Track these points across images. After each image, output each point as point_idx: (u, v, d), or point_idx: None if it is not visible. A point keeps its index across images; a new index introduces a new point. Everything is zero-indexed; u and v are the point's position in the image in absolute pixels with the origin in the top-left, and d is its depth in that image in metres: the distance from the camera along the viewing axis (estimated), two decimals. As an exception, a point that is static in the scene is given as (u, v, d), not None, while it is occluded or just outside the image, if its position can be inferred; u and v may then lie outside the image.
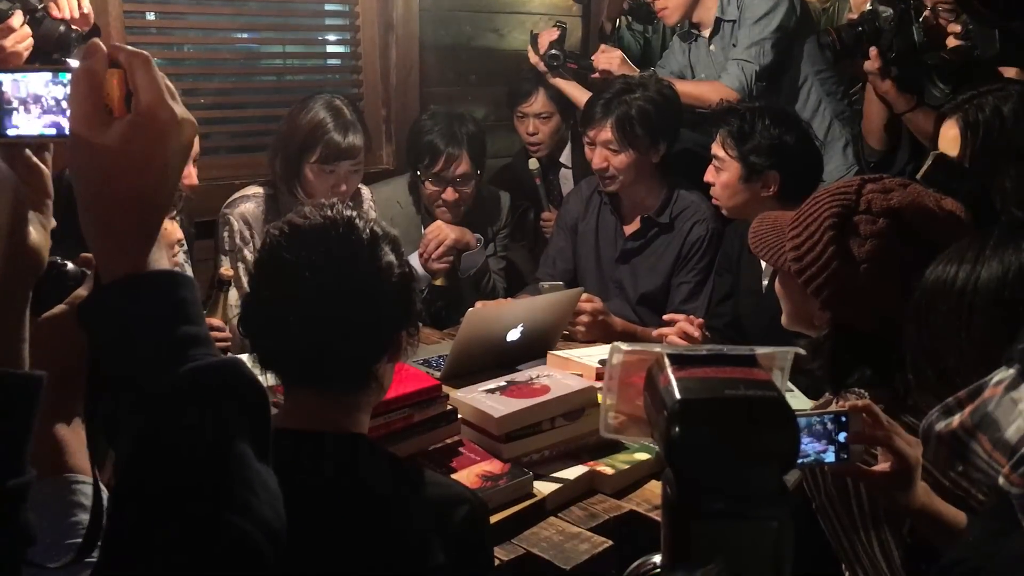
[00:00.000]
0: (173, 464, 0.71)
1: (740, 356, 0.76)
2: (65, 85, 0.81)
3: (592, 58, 3.22)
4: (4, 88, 0.81)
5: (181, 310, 0.76)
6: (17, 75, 0.81)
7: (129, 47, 0.78)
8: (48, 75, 0.81)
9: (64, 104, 0.80)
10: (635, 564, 0.82)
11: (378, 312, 1.33)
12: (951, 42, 2.45)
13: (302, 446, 1.29)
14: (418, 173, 2.99)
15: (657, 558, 0.79)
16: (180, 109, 0.78)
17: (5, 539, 0.70)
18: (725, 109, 2.55)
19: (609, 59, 3.16)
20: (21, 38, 2.10)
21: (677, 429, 0.68)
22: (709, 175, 2.54)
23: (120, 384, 0.74)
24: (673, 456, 0.69)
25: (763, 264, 2.53)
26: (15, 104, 0.80)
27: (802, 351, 1.10)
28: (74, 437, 0.93)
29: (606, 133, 2.74)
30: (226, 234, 2.71)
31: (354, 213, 1.36)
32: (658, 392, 0.73)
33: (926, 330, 1.14)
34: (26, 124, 0.81)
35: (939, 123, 1.98)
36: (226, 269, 2.51)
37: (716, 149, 2.49)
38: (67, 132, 0.79)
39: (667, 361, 0.75)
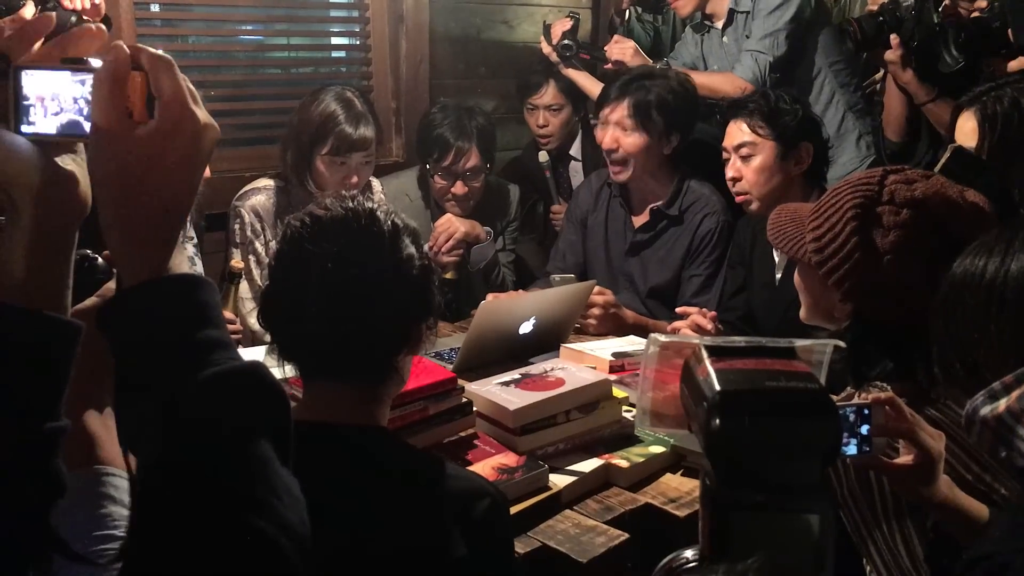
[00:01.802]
0: (197, 469, 0.70)
1: (779, 348, 0.75)
2: (84, 84, 0.79)
3: (605, 48, 3.21)
4: (22, 85, 0.79)
5: (202, 314, 0.75)
6: (35, 72, 0.79)
7: (152, 49, 0.77)
8: (67, 73, 0.79)
9: (82, 104, 0.79)
10: (667, 559, 0.81)
11: (399, 304, 1.32)
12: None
13: (322, 438, 1.28)
14: (427, 167, 2.98)
15: (689, 552, 0.78)
16: (203, 114, 0.77)
17: (38, 485, 0.70)
18: (744, 97, 2.55)
19: (622, 50, 3.14)
20: None
21: (717, 421, 0.67)
22: (733, 170, 2.50)
23: (141, 389, 0.74)
24: (713, 448, 0.68)
25: (776, 257, 2.52)
26: (32, 102, 0.79)
27: (842, 344, 1.08)
28: (104, 429, 0.93)
29: (621, 111, 2.71)
30: (237, 227, 2.70)
31: (375, 205, 1.36)
32: (696, 383, 0.72)
33: (954, 323, 1.13)
34: (43, 123, 0.79)
35: (956, 115, 1.97)
36: (237, 262, 2.51)
37: (743, 136, 2.46)
38: (86, 132, 0.78)
39: (705, 353, 0.74)
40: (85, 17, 2.23)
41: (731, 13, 3.08)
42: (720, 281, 2.76)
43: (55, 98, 0.79)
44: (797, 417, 0.68)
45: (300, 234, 1.33)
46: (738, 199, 2.54)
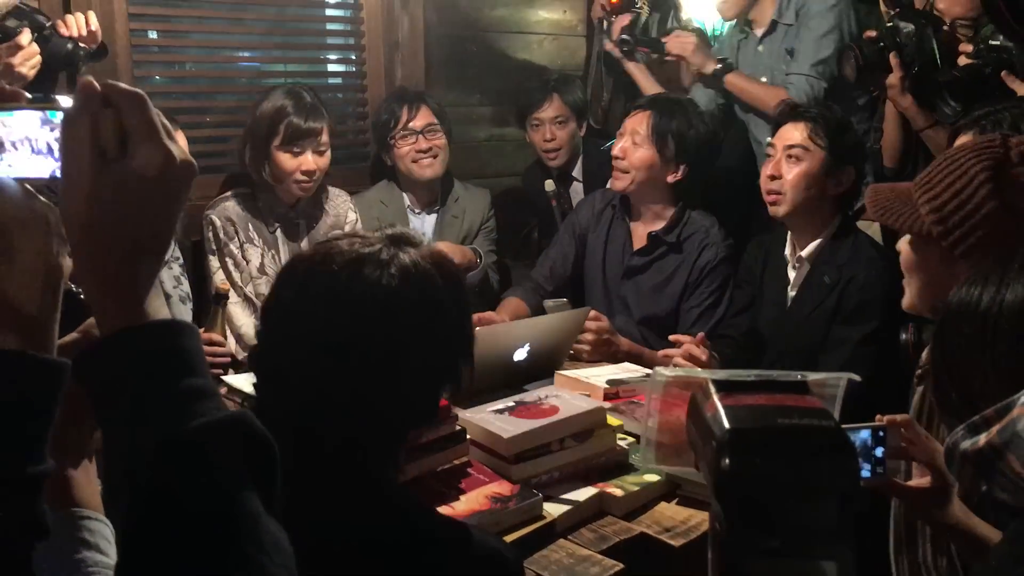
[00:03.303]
0: (183, 527, 0.68)
1: (790, 383, 0.73)
2: (54, 126, 0.76)
3: (664, 41, 3.19)
4: None
5: (184, 361, 0.73)
6: (5, 114, 0.76)
7: (123, 85, 0.74)
8: (37, 114, 0.76)
9: (54, 145, 0.76)
10: None
11: (408, 382, 1.19)
12: (962, 61, 2.46)
13: (327, 495, 1.17)
14: (390, 142, 3.09)
15: None
16: (178, 149, 0.74)
17: (20, 529, 0.69)
18: (810, 104, 2.60)
19: (682, 44, 3.13)
20: (29, 55, 2.10)
21: (727, 461, 0.64)
22: (774, 168, 2.49)
23: (123, 442, 0.71)
24: (723, 489, 0.65)
25: (791, 275, 2.54)
26: (3, 144, 0.76)
27: (856, 377, 1.06)
28: (83, 471, 0.91)
29: (640, 123, 2.74)
30: (210, 234, 2.78)
31: (383, 257, 1.18)
32: (704, 421, 0.70)
33: (950, 353, 1.12)
34: (15, 165, 0.76)
35: (954, 138, 1.97)
36: (222, 283, 2.52)
37: (798, 139, 2.47)
38: (57, 173, 0.75)
39: (712, 388, 0.71)
40: (82, 44, 2.25)
41: (773, 23, 3.09)
42: (721, 311, 2.76)
43: (23, 140, 0.76)
44: (812, 456, 0.65)
45: (288, 292, 1.21)
46: (768, 197, 2.52)
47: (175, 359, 0.72)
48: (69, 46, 2.22)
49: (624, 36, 3.22)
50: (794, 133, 2.48)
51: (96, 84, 0.73)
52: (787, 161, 2.47)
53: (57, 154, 0.75)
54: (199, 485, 0.69)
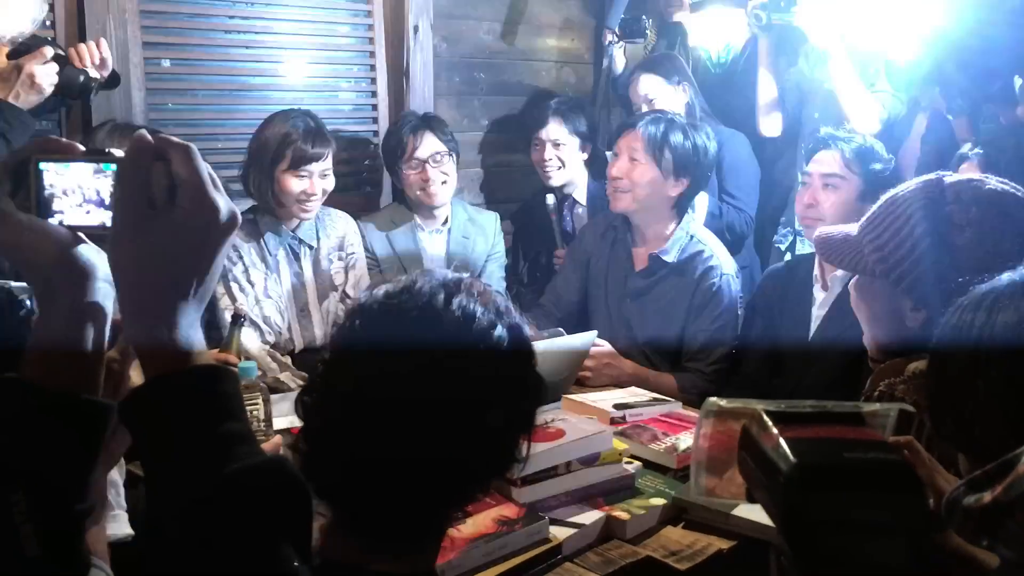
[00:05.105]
0: (218, 571, 0.70)
1: (846, 414, 0.71)
2: (108, 177, 0.79)
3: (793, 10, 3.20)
4: (46, 177, 0.79)
5: (224, 406, 0.75)
6: (61, 165, 0.80)
7: (174, 139, 0.76)
8: (92, 166, 0.80)
9: (105, 194, 0.79)
10: None
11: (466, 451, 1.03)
12: None
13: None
14: (398, 170, 3.13)
15: None
16: (224, 200, 0.77)
17: (62, 566, 0.71)
18: (843, 130, 2.59)
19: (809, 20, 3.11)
20: (49, 69, 2.15)
21: (796, 497, 0.63)
22: (811, 197, 2.51)
23: (163, 484, 0.74)
24: (791, 525, 0.63)
25: (819, 296, 2.51)
26: (57, 193, 0.79)
27: (909, 407, 1.04)
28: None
29: (635, 140, 2.69)
30: None
31: (474, 290, 1.06)
32: (763, 453, 0.68)
33: (944, 378, 1.11)
34: (68, 214, 0.80)
35: (958, 165, 1.99)
36: (240, 306, 2.53)
37: (833, 167, 2.49)
38: (107, 222, 0.78)
39: (768, 419, 0.70)
40: (92, 75, 2.29)
41: None
42: (730, 334, 2.71)
43: (76, 190, 0.79)
44: (883, 492, 0.63)
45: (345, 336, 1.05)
46: (805, 220, 2.55)
47: (215, 403, 0.75)
48: (81, 78, 2.27)
49: (757, 12, 3.23)
50: (830, 160, 2.49)
51: (149, 137, 0.76)
52: (824, 190, 2.48)
53: (108, 203, 0.79)
54: (234, 530, 0.71)
